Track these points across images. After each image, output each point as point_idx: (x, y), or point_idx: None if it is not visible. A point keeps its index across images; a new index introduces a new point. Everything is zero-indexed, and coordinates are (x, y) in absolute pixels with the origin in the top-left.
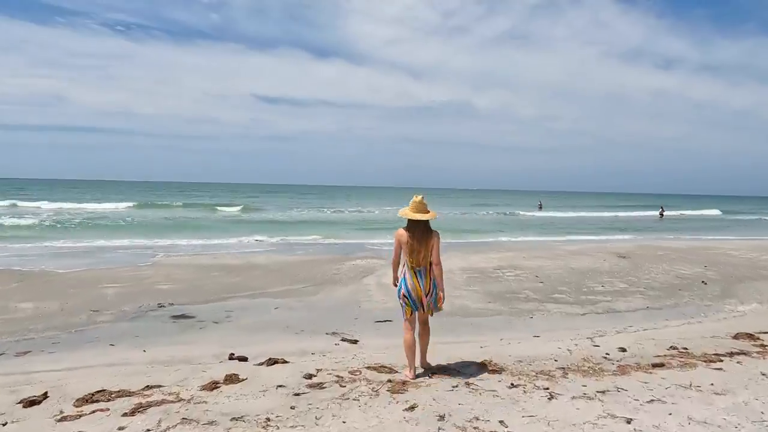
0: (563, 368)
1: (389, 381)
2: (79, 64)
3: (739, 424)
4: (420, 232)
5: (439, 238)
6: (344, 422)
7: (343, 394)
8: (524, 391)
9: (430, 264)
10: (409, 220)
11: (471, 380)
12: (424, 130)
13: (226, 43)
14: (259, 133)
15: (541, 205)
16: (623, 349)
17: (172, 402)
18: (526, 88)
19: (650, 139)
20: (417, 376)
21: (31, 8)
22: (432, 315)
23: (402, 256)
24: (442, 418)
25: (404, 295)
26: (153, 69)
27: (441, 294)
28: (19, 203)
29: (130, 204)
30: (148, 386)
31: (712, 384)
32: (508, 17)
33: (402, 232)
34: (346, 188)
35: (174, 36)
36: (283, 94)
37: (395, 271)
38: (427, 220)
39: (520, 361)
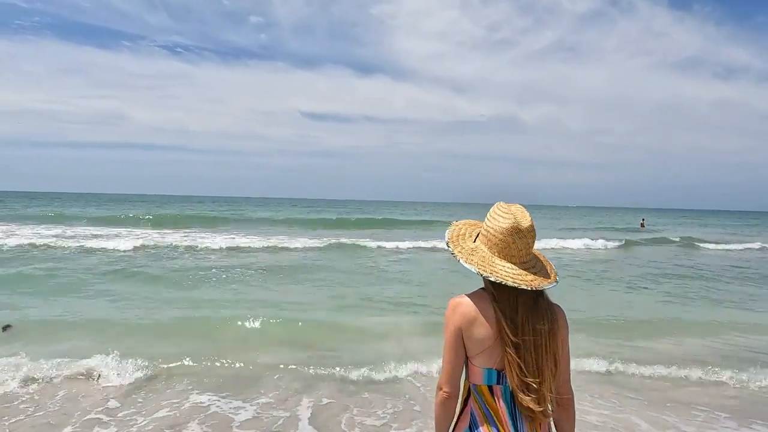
0: None
1: None
2: (139, 84)
3: None
4: (528, 308)
5: (568, 329)
6: None
7: None
8: None
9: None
10: (496, 284)
11: None
12: (469, 145)
13: (273, 62)
14: (305, 149)
15: (643, 223)
16: None
17: None
18: (575, 101)
19: (710, 152)
20: None
21: (97, 34)
22: None
23: (470, 369)
24: None
25: None
26: (205, 88)
27: None
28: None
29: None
30: None
31: None
32: (555, 29)
33: (469, 308)
34: (398, 204)
35: (224, 56)
36: (328, 110)
37: (442, 420)
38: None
39: None
